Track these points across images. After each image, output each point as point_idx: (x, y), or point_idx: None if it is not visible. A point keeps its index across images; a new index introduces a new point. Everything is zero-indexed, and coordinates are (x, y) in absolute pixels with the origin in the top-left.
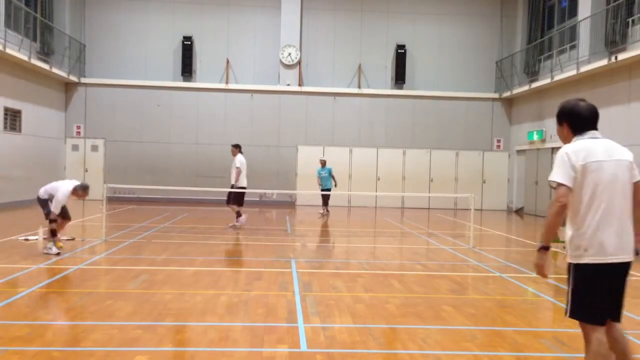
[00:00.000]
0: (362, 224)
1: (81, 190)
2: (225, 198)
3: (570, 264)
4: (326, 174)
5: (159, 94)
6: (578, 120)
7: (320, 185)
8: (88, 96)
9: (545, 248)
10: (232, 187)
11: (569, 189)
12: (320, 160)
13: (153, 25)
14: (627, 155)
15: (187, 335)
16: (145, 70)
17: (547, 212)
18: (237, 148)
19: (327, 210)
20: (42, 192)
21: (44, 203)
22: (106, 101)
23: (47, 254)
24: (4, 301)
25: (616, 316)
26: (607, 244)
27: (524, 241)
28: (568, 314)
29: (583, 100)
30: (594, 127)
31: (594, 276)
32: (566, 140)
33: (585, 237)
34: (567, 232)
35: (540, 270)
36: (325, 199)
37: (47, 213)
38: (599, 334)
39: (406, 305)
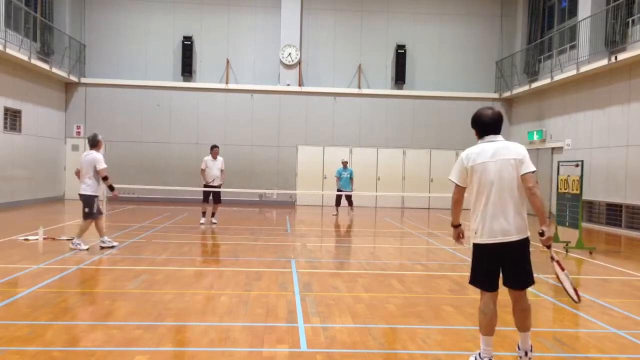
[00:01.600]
0: (362, 224)
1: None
2: (208, 197)
3: (472, 243)
4: (347, 176)
5: (159, 94)
6: (481, 126)
7: (338, 185)
8: (88, 96)
9: (455, 226)
10: (219, 187)
11: (461, 186)
12: (343, 161)
13: (153, 25)
14: (514, 154)
15: (187, 335)
16: (145, 70)
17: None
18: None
19: (352, 210)
20: (84, 187)
21: (89, 199)
22: (106, 101)
23: (74, 249)
24: (4, 301)
25: (516, 286)
26: (491, 228)
27: None
28: (469, 281)
29: (491, 108)
30: (494, 132)
31: (482, 253)
32: (477, 141)
33: (476, 223)
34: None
35: (456, 241)
36: (347, 198)
37: (89, 212)
38: (486, 298)
39: (406, 305)
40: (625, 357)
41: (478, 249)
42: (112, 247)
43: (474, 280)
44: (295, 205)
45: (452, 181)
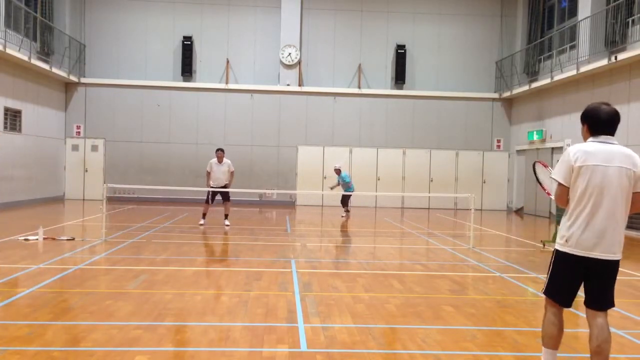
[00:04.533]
0: (362, 224)
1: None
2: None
3: (554, 249)
4: (344, 181)
5: (159, 94)
6: (595, 122)
7: (343, 188)
8: (88, 96)
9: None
10: (226, 186)
11: (565, 186)
12: (335, 168)
13: (153, 25)
14: (632, 165)
15: (187, 335)
16: (145, 70)
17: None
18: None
19: (349, 210)
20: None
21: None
22: (106, 101)
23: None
24: (4, 301)
25: (598, 306)
26: (586, 240)
27: (523, 241)
28: (543, 291)
29: (607, 104)
30: (609, 132)
31: (570, 265)
32: (584, 139)
33: (571, 230)
34: (562, 221)
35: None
36: (346, 199)
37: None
38: (556, 309)
39: (406, 305)
40: (625, 357)
41: (566, 259)
42: None
43: (552, 292)
44: (295, 205)
45: (555, 179)
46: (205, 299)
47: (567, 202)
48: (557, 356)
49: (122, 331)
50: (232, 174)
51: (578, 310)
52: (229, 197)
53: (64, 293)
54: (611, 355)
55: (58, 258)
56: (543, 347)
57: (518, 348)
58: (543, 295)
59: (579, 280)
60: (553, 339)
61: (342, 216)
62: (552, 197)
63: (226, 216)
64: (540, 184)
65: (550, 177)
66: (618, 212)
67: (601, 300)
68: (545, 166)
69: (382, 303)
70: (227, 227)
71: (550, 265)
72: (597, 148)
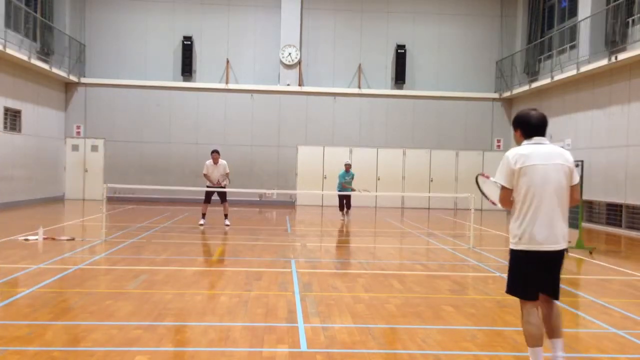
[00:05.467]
0: (362, 224)
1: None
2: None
3: (509, 249)
4: (350, 179)
5: (159, 94)
6: (528, 127)
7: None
8: (88, 96)
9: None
10: (223, 187)
11: (508, 189)
12: (346, 164)
13: (153, 25)
14: (566, 160)
15: (187, 335)
16: (145, 70)
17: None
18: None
19: (346, 212)
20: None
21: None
22: (106, 101)
23: None
24: (4, 301)
25: (553, 295)
26: (537, 235)
27: None
28: (506, 290)
29: (535, 109)
30: (541, 133)
31: (525, 261)
32: (518, 143)
33: (520, 229)
34: (510, 223)
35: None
36: (347, 200)
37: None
38: (529, 307)
39: (406, 305)
40: (625, 357)
41: (520, 255)
42: None
43: (514, 290)
44: (295, 205)
45: (498, 183)
46: (205, 299)
47: (511, 203)
48: (558, 355)
49: (122, 331)
50: (227, 175)
51: (578, 310)
52: (225, 197)
53: (64, 293)
54: (612, 355)
55: (58, 258)
56: (528, 347)
57: (518, 348)
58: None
59: (540, 272)
60: (532, 336)
61: (342, 219)
62: (498, 204)
63: (226, 216)
64: (484, 195)
65: (494, 182)
66: (561, 206)
67: (556, 289)
68: (487, 177)
69: (382, 303)
70: (227, 227)
71: (509, 267)
72: (533, 149)
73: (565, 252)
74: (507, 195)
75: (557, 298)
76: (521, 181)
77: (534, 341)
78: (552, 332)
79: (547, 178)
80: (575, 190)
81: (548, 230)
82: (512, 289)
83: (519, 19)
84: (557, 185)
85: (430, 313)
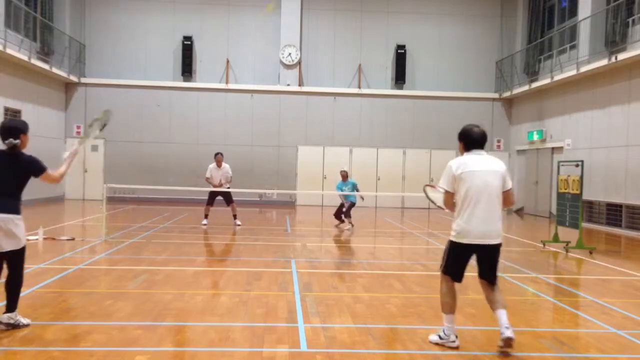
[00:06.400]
0: (362, 224)
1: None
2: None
3: (449, 240)
4: (349, 190)
5: (159, 94)
6: (469, 140)
7: (342, 200)
8: (88, 96)
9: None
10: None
11: (451, 193)
12: (341, 172)
13: (153, 25)
14: (499, 167)
15: (187, 335)
16: (145, 70)
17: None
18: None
19: (344, 221)
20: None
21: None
22: (106, 101)
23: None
24: (4, 301)
25: (491, 281)
26: (474, 231)
27: (523, 241)
28: (441, 270)
29: (477, 126)
30: (480, 146)
31: (463, 252)
32: (461, 154)
33: (460, 225)
34: (454, 218)
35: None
36: (348, 209)
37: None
38: (450, 283)
39: (406, 305)
40: (625, 357)
41: (459, 247)
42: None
43: (449, 272)
44: (295, 205)
45: (442, 188)
46: (205, 299)
47: (453, 205)
48: (559, 356)
49: (122, 331)
50: (229, 180)
51: (578, 310)
52: (231, 198)
53: (64, 293)
54: (612, 355)
55: (58, 258)
56: (443, 314)
57: (518, 348)
58: (442, 274)
59: (467, 262)
60: (450, 306)
61: (348, 229)
62: (444, 208)
63: (235, 216)
64: (431, 201)
65: (439, 187)
66: (495, 206)
67: (492, 275)
68: (434, 187)
69: (382, 303)
70: (238, 227)
71: (446, 252)
72: (472, 158)
73: (500, 246)
74: (449, 198)
75: (494, 284)
76: (461, 185)
77: (450, 309)
78: (496, 304)
79: (483, 183)
80: (509, 194)
81: (484, 227)
82: (447, 271)
83: (519, 19)
84: (492, 189)
85: (430, 313)
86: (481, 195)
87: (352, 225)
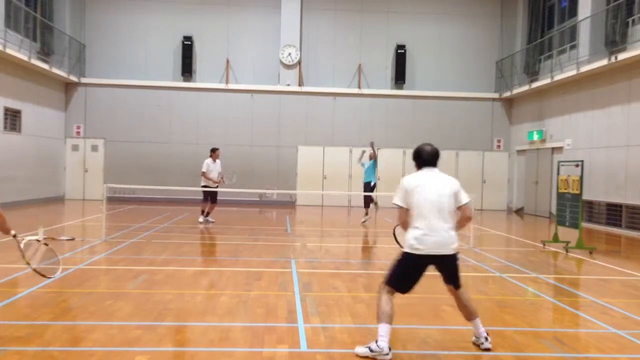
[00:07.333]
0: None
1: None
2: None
3: (403, 252)
4: (371, 166)
5: (159, 94)
6: (421, 159)
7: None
8: (88, 96)
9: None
10: (218, 185)
11: (406, 209)
12: (372, 148)
13: (153, 25)
14: (450, 184)
15: (187, 335)
16: (145, 70)
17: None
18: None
19: (367, 213)
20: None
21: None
22: (106, 101)
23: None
24: (4, 301)
25: (455, 286)
26: (429, 242)
27: (524, 241)
28: (385, 281)
29: (430, 145)
30: (432, 164)
31: (410, 262)
32: (415, 170)
33: (413, 238)
34: (409, 231)
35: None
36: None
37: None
38: (390, 295)
39: (406, 305)
40: (625, 357)
41: (413, 259)
42: None
43: (394, 283)
44: (295, 205)
45: (397, 205)
46: (205, 299)
47: (407, 223)
48: (559, 356)
49: (122, 331)
50: (220, 174)
51: (578, 310)
52: (216, 199)
53: (64, 293)
54: (612, 355)
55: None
56: (380, 323)
57: (518, 348)
58: (384, 284)
59: (420, 274)
60: (389, 315)
61: (364, 221)
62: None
63: (208, 214)
64: (399, 244)
65: (393, 203)
66: (447, 219)
67: (456, 281)
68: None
69: None
70: (205, 224)
71: (395, 263)
72: (424, 174)
73: (457, 255)
74: (404, 214)
75: (458, 287)
76: (414, 200)
77: (387, 319)
78: (469, 315)
79: (436, 196)
80: (465, 209)
81: (436, 239)
82: (392, 282)
83: (519, 19)
84: (443, 203)
85: (430, 313)
86: (433, 207)
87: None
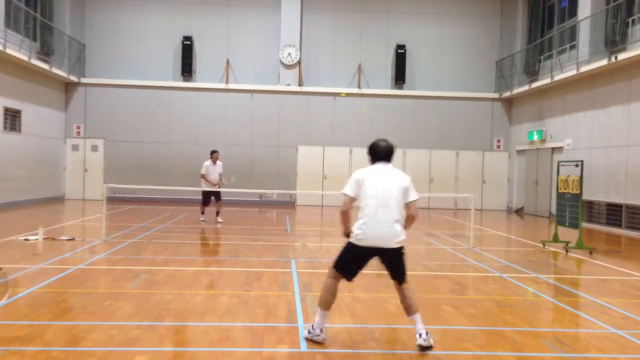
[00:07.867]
0: None
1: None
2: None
3: (348, 241)
4: None
5: (159, 94)
6: (375, 154)
7: None
8: (88, 96)
9: (347, 235)
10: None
11: (352, 198)
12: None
13: (153, 25)
14: (401, 179)
15: (187, 335)
16: (145, 70)
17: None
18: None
19: None
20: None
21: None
22: (106, 101)
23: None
24: (4, 301)
25: (400, 281)
26: (371, 234)
27: (524, 241)
28: (333, 265)
29: (385, 141)
30: (386, 159)
31: (354, 251)
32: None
33: (358, 228)
34: (356, 222)
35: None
36: None
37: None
38: (336, 281)
39: None
40: (625, 357)
41: (357, 249)
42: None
43: (341, 268)
44: (295, 205)
45: (345, 194)
46: (205, 299)
47: (350, 210)
48: (559, 356)
49: (122, 331)
50: (221, 175)
51: (578, 310)
52: (220, 196)
53: (64, 293)
54: (612, 355)
55: (58, 258)
56: (319, 309)
57: (518, 348)
58: (332, 268)
59: (364, 264)
60: (329, 303)
61: None
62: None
63: (218, 213)
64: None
65: (342, 192)
66: (394, 214)
67: (400, 276)
68: None
69: (382, 303)
70: (219, 224)
71: (343, 249)
72: (376, 168)
73: (401, 250)
74: (349, 202)
75: (402, 282)
76: (363, 192)
77: (326, 306)
78: (409, 309)
79: (383, 190)
80: (411, 206)
81: (381, 231)
82: (339, 267)
83: (519, 19)
84: (391, 196)
85: (430, 313)
86: (381, 201)
87: None
